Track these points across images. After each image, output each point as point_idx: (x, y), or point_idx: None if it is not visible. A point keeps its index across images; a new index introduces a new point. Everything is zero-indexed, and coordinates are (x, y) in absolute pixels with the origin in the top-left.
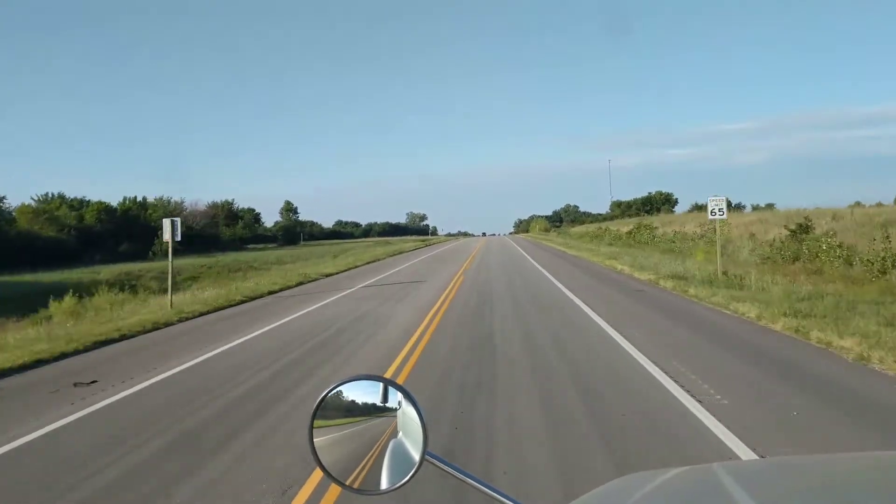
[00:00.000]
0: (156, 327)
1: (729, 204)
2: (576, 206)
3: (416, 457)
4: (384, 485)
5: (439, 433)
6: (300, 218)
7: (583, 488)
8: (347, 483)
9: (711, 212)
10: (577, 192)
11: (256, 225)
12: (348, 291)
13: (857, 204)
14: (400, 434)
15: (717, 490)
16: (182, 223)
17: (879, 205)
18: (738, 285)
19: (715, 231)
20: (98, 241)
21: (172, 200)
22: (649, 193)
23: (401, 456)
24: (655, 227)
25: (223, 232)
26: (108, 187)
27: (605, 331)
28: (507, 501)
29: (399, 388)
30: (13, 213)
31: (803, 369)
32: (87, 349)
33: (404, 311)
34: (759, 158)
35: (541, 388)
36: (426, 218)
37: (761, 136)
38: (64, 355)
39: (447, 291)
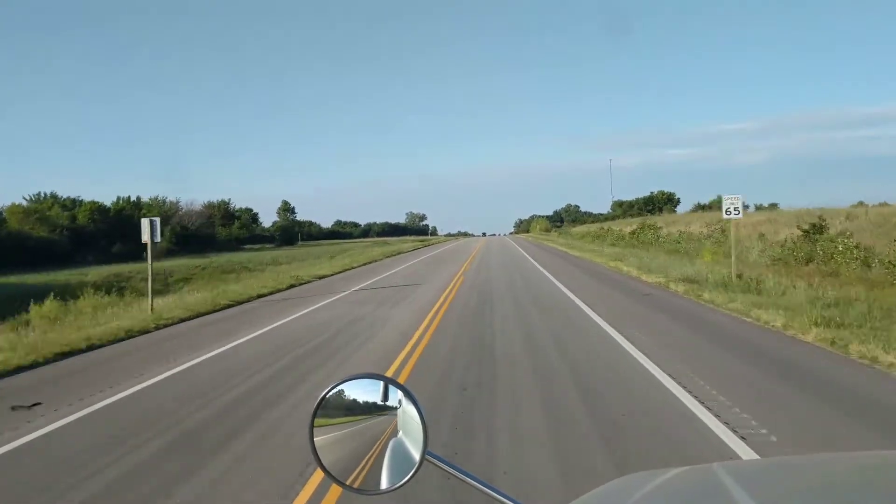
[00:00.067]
0: (129, 335)
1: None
2: (576, 206)
3: (417, 456)
4: (384, 484)
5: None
6: (298, 218)
7: None
8: (347, 483)
9: (726, 211)
10: (577, 192)
11: (254, 225)
12: (341, 295)
13: (861, 204)
14: (400, 433)
15: (717, 490)
16: (177, 223)
17: (885, 204)
18: (756, 289)
19: (723, 231)
20: (91, 242)
21: (168, 200)
22: (651, 193)
23: (401, 455)
24: (659, 227)
25: (219, 232)
26: (108, 188)
27: (617, 341)
28: (508, 501)
29: (399, 386)
30: (3, 214)
31: (858, 394)
32: (46, 361)
33: (399, 316)
34: (759, 158)
35: (550, 418)
36: (426, 218)
37: (761, 136)
38: (19, 369)
39: (445, 294)
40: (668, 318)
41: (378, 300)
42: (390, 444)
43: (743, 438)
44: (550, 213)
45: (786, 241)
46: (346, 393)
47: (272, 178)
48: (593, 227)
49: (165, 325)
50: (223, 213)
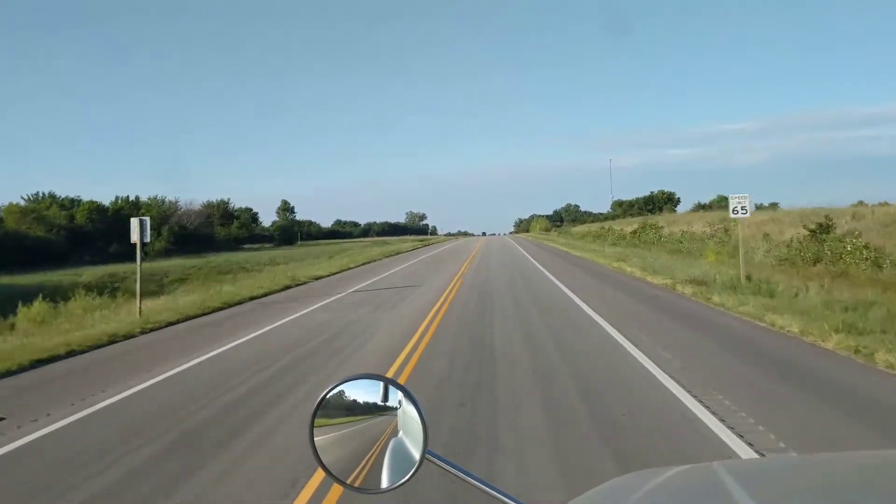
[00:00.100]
0: (113, 340)
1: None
2: (576, 206)
3: (417, 456)
4: (385, 483)
5: None
6: (298, 218)
7: None
8: (348, 482)
9: (733, 210)
10: (577, 192)
11: (254, 225)
12: (337, 297)
13: (861, 203)
14: (400, 433)
15: (717, 489)
16: (176, 223)
17: (886, 204)
18: (767, 292)
19: (726, 231)
20: (88, 242)
21: (167, 200)
22: (651, 193)
23: (401, 455)
24: (661, 227)
25: (218, 232)
26: (108, 188)
27: (624, 348)
28: (508, 501)
29: (399, 387)
30: (0, 214)
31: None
32: (21, 369)
33: (395, 321)
34: (759, 158)
35: (557, 437)
36: (426, 217)
37: (761, 136)
38: None
39: (443, 297)
40: (680, 323)
41: (374, 303)
42: (391, 443)
43: None
44: (550, 212)
45: (792, 240)
46: (346, 393)
47: (272, 177)
48: (594, 227)
49: (152, 329)
50: (222, 213)
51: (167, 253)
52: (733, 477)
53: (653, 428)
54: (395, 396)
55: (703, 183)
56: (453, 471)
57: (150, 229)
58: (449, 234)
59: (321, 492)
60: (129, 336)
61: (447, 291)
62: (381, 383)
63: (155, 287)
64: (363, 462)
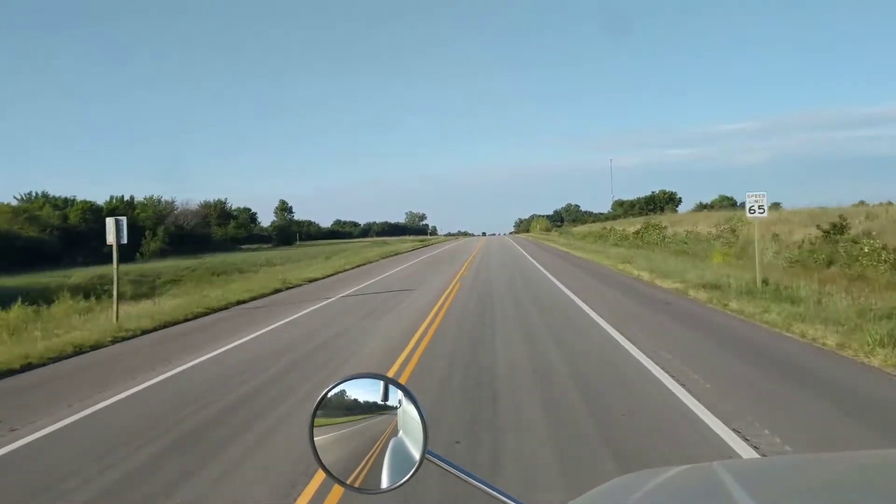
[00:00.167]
0: (77, 352)
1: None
2: (577, 206)
3: (417, 455)
4: (385, 484)
5: None
6: (298, 218)
7: None
8: (348, 482)
9: (750, 209)
10: (577, 192)
11: (252, 225)
12: (327, 302)
13: (862, 203)
14: (400, 433)
15: (717, 489)
16: (172, 223)
17: (891, 204)
18: (789, 298)
19: (734, 231)
20: (82, 242)
21: (163, 200)
22: (652, 192)
23: (401, 455)
24: (664, 227)
25: (215, 232)
26: (108, 188)
27: (650, 371)
28: (509, 501)
29: (400, 386)
30: None
31: None
32: None
33: (384, 333)
34: (759, 158)
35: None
36: (425, 217)
37: (761, 136)
38: None
39: (439, 304)
40: (699, 333)
41: (365, 310)
42: (391, 443)
43: None
44: (550, 212)
45: (803, 241)
46: (347, 392)
47: (272, 177)
48: (595, 227)
49: (124, 339)
50: (219, 213)
51: (163, 253)
52: (733, 477)
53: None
54: (396, 396)
55: (704, 183)
56: (453, 471)
57: (146, 230)
58: (449, 235)
59: None
60: (97, 346)
61: (443, 298)
62: (382, 382)
63: (146, 289)
64: (363, 462)
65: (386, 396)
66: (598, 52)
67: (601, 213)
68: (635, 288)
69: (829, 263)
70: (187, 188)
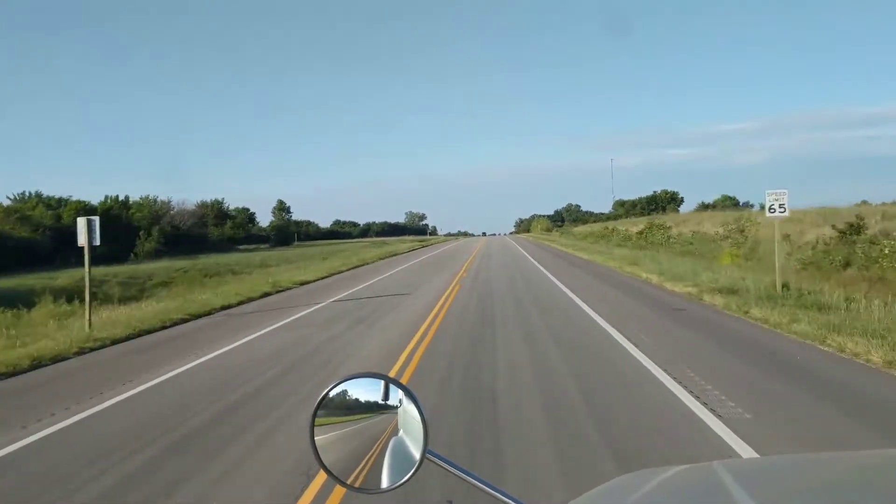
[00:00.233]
0: (33, 366)
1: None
2: (577, 206)
3: (417, 455)
4: (385, 483)
5: None
6: (298, 218)
7: None
8: (348, 482)
9: (770, 208)
10: (578, 192)
11: (250, 225)
12: (316, 307)
13: (864, 203)
14: (401, 432)
15: (717, 489)
16: (167, 223)
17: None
18: (815, 304)
19: (742, 231)
20: (75, 242)
21: (159, 199)
22: (654, 192)
23: (401, 454)
24: (669, 227)
25: (212, 232)
26: (108, 188)
27: (678, 398)
28: (509, 500)
29: (400, 385)
30: None
31: None
32: None
33: (371, 348)
34: (759, 158)
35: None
36: (425, 217)
37: (761, 136)
38: None
39: (434, 312)
40: (726, 349)
41: (355, 316)
42: (391, 443)
43: None
44: (551, 212)
45: (817, 242)
46: (347, 392)
47: (272, 177)
48: (596, 227)
49: (91, 349)
50: (216, 213)
51: (157, 254)
52: (733, 477)
53: None
54: (396, 395)
55: (704, 183)
56: (454, 471)
57: (141, 230)
58: (449, 235)
59: None
60: (58, 359)
61: (439, 305)
62: (382, 382)
63: (135, 291)
64: (363, 462)
65: (386, 396)
66: (598, 52)
67: (602, 213)
68: (643, 291)
69: (846, 265)
70: (187, 188)
